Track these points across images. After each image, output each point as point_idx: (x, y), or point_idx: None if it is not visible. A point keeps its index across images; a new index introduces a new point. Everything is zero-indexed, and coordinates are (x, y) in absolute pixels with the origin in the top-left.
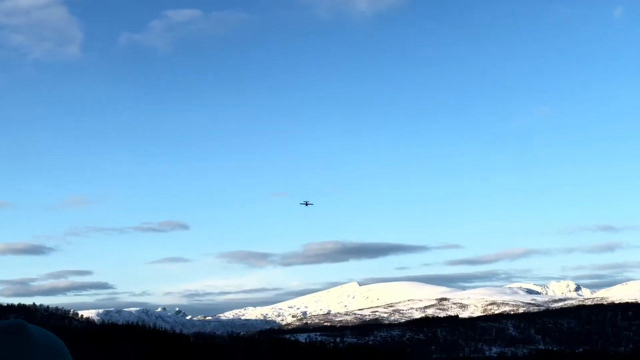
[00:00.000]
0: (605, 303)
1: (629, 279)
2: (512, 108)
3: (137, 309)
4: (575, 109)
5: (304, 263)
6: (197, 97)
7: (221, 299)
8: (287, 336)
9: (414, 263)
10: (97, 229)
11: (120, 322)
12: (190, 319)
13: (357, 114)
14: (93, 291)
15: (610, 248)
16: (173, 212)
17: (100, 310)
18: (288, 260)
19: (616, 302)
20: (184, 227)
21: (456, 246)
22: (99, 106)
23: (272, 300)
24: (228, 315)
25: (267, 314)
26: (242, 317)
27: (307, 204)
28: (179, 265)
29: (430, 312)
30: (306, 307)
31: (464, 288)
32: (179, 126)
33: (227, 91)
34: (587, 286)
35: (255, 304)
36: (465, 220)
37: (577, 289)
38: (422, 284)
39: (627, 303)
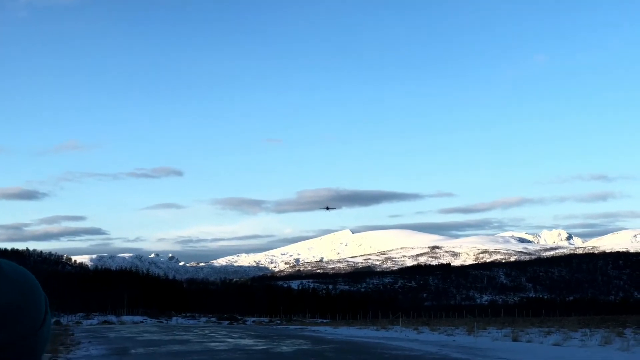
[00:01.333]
0: (596, 252)
1: (620, 228)
2: (508, 57)
3: (131, 254)
4: (570, 58)
5: (297, 210)
6: (193, 43)
7: (214, 245)
8: (280, 283)
9: (407, 211)
10: (91, 175)
11: (113, 268)
12: (184, 265)
13: (353, 63)
14: (86, 237)
15: (603, 197)
16: (167, 159)
17: (94, 256)
18: (281, 207)
19: (607, 251)
20: (178, 173)
21: (450, 194)
22: (94, 49)
23: (265, 247)
24: (221, 261)
25: (259, 261)
26: (235, 264)
27: (327, 209)
28: (173, 212)
29: (422, 260)
30: (299, 254)
31: (456, 236)
32: (174, 71)
33: (224, 36)
34: (579, 235)
35: (248, 250)
36: (459, 169)
37: (569, 238)
38: (415, 232)
39: (618, 252)
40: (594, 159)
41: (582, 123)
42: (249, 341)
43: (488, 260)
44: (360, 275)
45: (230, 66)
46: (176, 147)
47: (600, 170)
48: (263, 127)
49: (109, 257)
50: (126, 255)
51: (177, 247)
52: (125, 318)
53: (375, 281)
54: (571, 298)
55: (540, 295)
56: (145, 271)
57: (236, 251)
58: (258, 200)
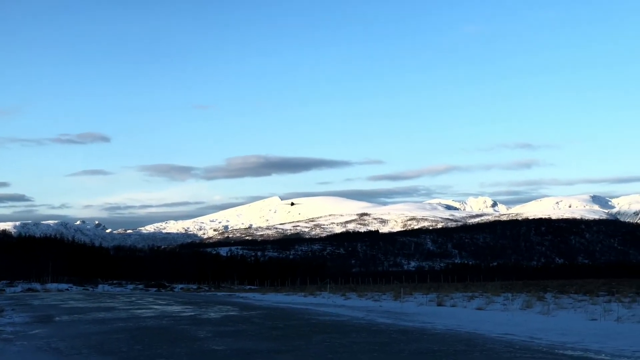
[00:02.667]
0: (519, 219)
1: (543, 196)
2: (438, 24)
3: (56, 221)
4: (499, 25)
5: (227, 177)
6: (120, 3)
7: (142, 212)
8: (209, 250)
9: (336, 178)
10: (13, 140)
11: (38, 235)
12: (111, 232)
13: (281, 29)
14: (10, 203)
15: (527, 165)
16: (93, 124)
17: (17, 223)
18: (211, 174)
19: (530, 218)
20: (105, 139)
21: (379, 162)
22: (12, 10)
23: (194, 214)
24: (149, 228)
25: (188, 228)
26: (164, 231)
27: (292, 204)
28: (99, 178)
29: (351, 227)
30: (228, 221)
31: (385, 203)
32: (100, 34)
33: None
34: (504, 202)
35: (177, 217)
36: (388, 137)
37: (494, 204)
38: (344, 199)
39: (540, 219)
40: (520, 127)
41: (508, 91)
42: (176, 308)
43: (416, 227)
44: (289, 242)
45: (159, 29)
46: (103, 112)
47: (525, 138)
48: (192, 93)
49: (34, 224)
50: (51, 222)
51: (104, 214)
52: (50, 286)
53: (304, 248)
54: (495, 263)
55: (466, 261)
56: (71, 238)
57: (165, 218)
58: (187, 166)
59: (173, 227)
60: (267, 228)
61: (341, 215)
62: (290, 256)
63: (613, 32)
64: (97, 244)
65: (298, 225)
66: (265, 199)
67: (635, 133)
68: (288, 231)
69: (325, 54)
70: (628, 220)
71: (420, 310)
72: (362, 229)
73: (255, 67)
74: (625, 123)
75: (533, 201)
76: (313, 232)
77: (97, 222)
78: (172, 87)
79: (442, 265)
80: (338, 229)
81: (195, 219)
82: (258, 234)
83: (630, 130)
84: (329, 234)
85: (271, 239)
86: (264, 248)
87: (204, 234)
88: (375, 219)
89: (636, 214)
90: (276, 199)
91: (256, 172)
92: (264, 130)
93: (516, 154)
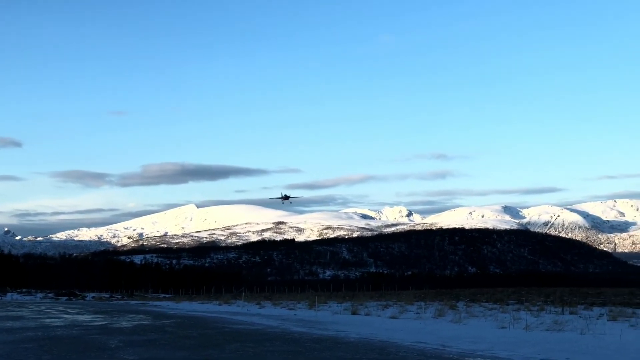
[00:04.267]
0: (434, 228)
1: (457, 206)
2: (356, 35)
3: None
4: (416, 39)
5: (142, 184)
6: (30, 6)
7: (54, 219)
8: (122, 258)
9: (253, 186)
10: None
11: None
12: (20, 239)
13: (200, 37)
14: None
15: (442, 176)
16: (4, 128)
17: None
18: (126, 180)
19: (444, 227)
20: (17, 144)
21: (296, 170)
22: None
23: (107, 222)
24: (60, 236)
25: (101, 235)
26: (76, 238)
27: (287, 197)
28: (10, 184)
29: (267, 235)
30: (142, 228)
31: (301, 212)
32: (10, 36)
33: (63, 3)
34: (419, 212)
35: (90, 224)
36: (305, 145)
37: (409, 214)
38: (260, 207)
39: (454, 228)
40: (435, 138)
41: (424, 102)
42: (87, 317)
43: (331, 236)
44: (205, 250)
45: (74, 34)
46: (14, 116)
47: (441, 149)
48: (107, 99)
49: None
50: None
51: (14, 221)
52: None
53: (219, 256)
54: (410, 272)
55: (381, 270)
56: None
57: (77, 225)
58: (101, 173)
59: (86, 234)
60: (183, 236)
61: (257, 224)
62: (206, 264)
63: (523, 47)
64: (5, 251)
65: (214, 233)
66: (182, 207)
67: (545, 145)
68: (204, 239)
69: (243, 63)
70: (538, 230)
71: (334, 319)
72: (279, 238)
73: (173, 75)
74: (535, 135)
75: (447, 211)
76: (229, 240)
77: (6, 229)
78: (87, 93)
79: (357, 274)
80: (254, 237)
81: (109, 227)
82: (173, 241)
83: (540, 142)
84: (245, 242)
85: (187, 246)
86: (180, 256)
87: (117, 241)
88: (291, 227)
89: (545, 224)
90: (192, 206)
91: (172, 180)
92: (181, 138)
93: (431, 164)
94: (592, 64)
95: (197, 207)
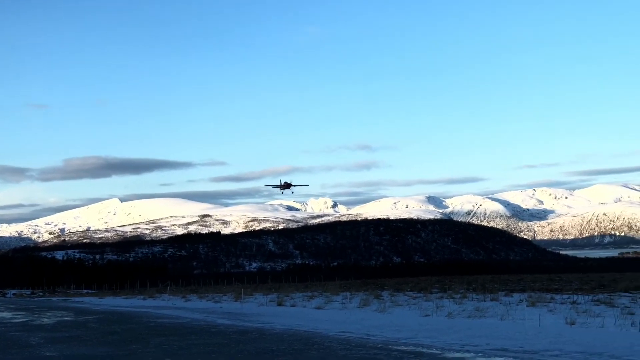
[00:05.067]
0: (359, 219)
1: (382, 196)
2: (282, 27)
3: None
4: (340, 29)
5: (64, 179)
6: None
7: None
8: (44, 254)
9: (178, 179)
10: None
11: None
12: None
13: (123, 32)
14: None
15: (367, 166)
16: None
17: None
18: (47, 175)
19: (369, 218)
20: None
21: (222, 163)
22: None
23: (28, 217)
24: None
25: (22, 231)
26: None
27: (288, 185)
28: None
29: (192, 228)
30: (64, 223)
31: (227, 205)
32: None
33: None
34: (344, 203)
35: (10, 220)
36: (231, 138)
37: (334, 205)
38: (186, 200)
39: (379, 219)
40: (360, 129)
41: (349, 94)
42: (7, 314)
43: (257, 228)
44: (129, 244)
45: None
46: None
47: (365, 140)
48: (27, 92)
49: None
50: None
51: None
52: None
53: (144, 250)
54: (335, 263)
55: (307, 262)
56: None
57: None
58: (21, 168)
59: (5, 230)
60: (107, 230)
61: (183, 217)
62: (131, 259)
63: (445, 40)
64: None
65: (138, 228)
66: (105, 201)
67: (467, 136)
68: (128, 233)
69: (164, 57)
70: (460, 219)
71: (260, 310)
72: (204, 231)
73: (96, 68)
74: (458, 126)
75: (372, 202)
76: (154, 234)
77: None
78: (5, 85)
79: (283, 265)
80: (180, 231)
81: (29, 222)
82: (97, 236)
83: (462, 133)
84: (170, 235)
85: (110, 241)
86: (103, 251)
87: (39, 237)
88: (217, 220)
89: (468, 213)
90: (116, 200)
91: (95, 174)
92: (104, 131)
93: (356, 155)
94: (510, 55)
95: (121, 201)
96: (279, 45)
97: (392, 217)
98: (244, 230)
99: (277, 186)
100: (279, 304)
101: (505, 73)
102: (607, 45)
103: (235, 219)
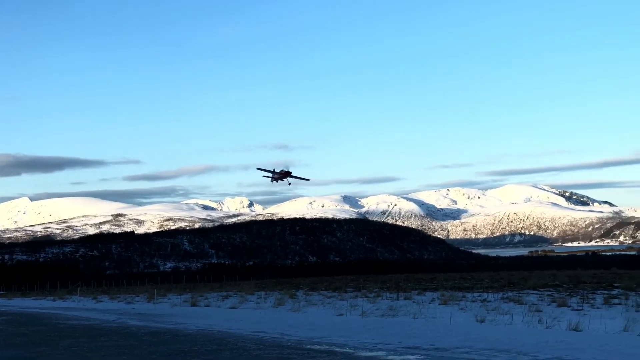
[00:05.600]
0: (275, 219)
1: (298, 196)
2: (198, 27)
3: None
4: (257, 29)
5: None
6: None
7: None
8: None
9: (91, 178)
10: None
11: None
12: None
13: (41, 30)
14: None
15: (284, 166)
16: None
17: None
18: None
19: (285, 217)
20: None
21: (136, 162)
22: None
23: None
24: None
25: None
26: None
27: (287, 174)
28: None
29: (105, 228)
30: None
31: (141, 204)
32: None
33: None
34: (260, 202)
35: None
36: (146, 136)
37: (251, 205)
38: (98, 199)
39: (295, 218)
40: (277, 129)
41: (266, 93)
42: None
43: (173, 228)
44: (39, 244)
45: None
46: None
47: (282, 140)
48: None
49: None
50: None
51: None
52: None
53: (55, 250)
54: (251, 263)
55: (222, 261)
56: None
57: None
58: None
59: None
60: (16, 230)
61: (95, 217)
62: (41, 259)
63: (362, 40)
64: None
65: (49, 227)
66: (14, 200)
67: (383, 136)
68: (38, 233)
69: (78, 55)
70: (375, 219)
71: (173, 311)
72: (118, 230)
73: (7, 65)
74: (374, 126)
75: (288, 201)
76: (65, 234)
77: None
78: None
79: (198, 265)
80: (92, 231)
81: None
82: (5, 236)
83: (378, 133)
84: (82, 235)
85: (20, 241)
86: (12, 251)
87: None
88: (131, 219)
89: (383, 213)
90: (25, 199)
91: (4, 172)
92: (14, 128)
93: (273, 154)
94: (424, 57)
95: (31, 200)
96: (196, 45)
97: (308, 217)
98: (159, 230)
99: (271, 173)
100: (193, 304)
101: (419, 75)
102: (516, 48)
103: (149, 218)
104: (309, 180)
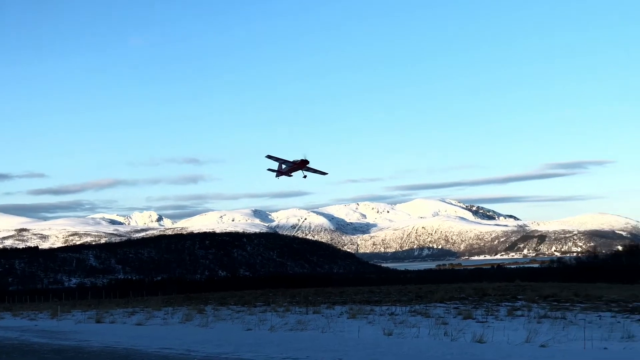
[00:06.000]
0: (184, 233)
1: (208, 210)
2: (106, 39)
3: None
4: (166, 44)
5: None
6: None
7: None
8: None
9: None
10: None
11: None
12: None
13: None
14: None
15: (194, 180)
16: None
17: None
18: None
19: (195, 232)
20: None
21: (40, 175)
22: None
23: None
24: None
25: None
26: None
27: (304, 163)
28: None
29: (8, 243)
30: None
31: (46, 218)
32: None
33: None
34: (170, 216)
35: None
36: (51, 149)
37: (160, 219)
38: (1, 214)
39: (205, 233)
40: (187, 143)
41: (177, 107)
42: None
43: (78, 243)
44: None
45: None
46: None
47: (193, 154)
48: None
49: None
50: None
51: None
52: None
53: None
54: (159, 278)
55: (130, 276)
56: None
57: None
58: None
59: None
60: None
61: None
62: None
63: (267, 57)
64: None
65: None
66: None
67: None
68: None
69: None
70: (286, 233)
71: (78, 328)
72: (21, 245)
73: None
74: (284, 141)
75: (198, 215)
76: None
77: None
78: None
79: (105, 281)
80: None
81: None
82: None
83: (287, 147)
84: None
85: None
86: None
87: None
88: (35, 234)
89: (293, 227)
90: None
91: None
92: None
93: (183, 168)
94: (333, 73)
95: None
96: (104, 57)
97: (218, 231)
98: (64, 245)
99: (283, 164)
100: (98, 321)
101: (328, 90)
102: (424, 65)
103: (54, 233)
104: (326, 174)
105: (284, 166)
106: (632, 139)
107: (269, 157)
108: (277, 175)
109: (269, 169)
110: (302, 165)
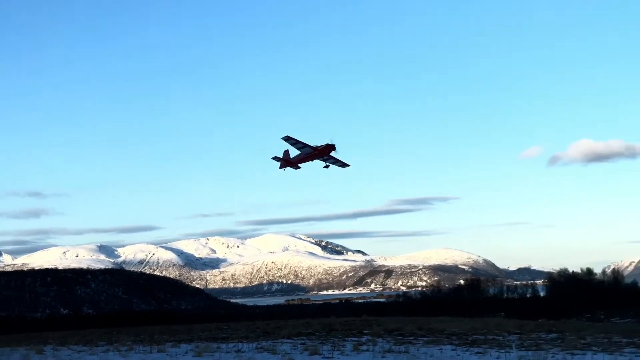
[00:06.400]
0: (25, 269)
1: (51, 245)
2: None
3: None
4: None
5: None
6: None
7: None
8: None
9: None
10: None
11: None
12: None
13: None
14: None
15: (36, 214)
16: None
17: None
18: None
19: (36, 268)
20: None
21: None
22: None
23: None
24: None
25: None
26: None
27: (330, 148)
28: None
29: None
30: None
31: None
32: None
33: None
34: (10, 252)
35: None
36: None
37: None
38: None
39: (46, 269)
40: (30, 176)
41: (11, 140)
42: None
43: None
44: None
45: None
46: None
47: (35, 187)
48: None
49: None
50: None
51: None
52: None
53: None
54: None
55: None
56: None
57: None
58: None
59: None
60: None
61: None
62: None
63: (158, 86)
64: None
65: None
66: None
67: (140, 184)
68: None
69: None
70: (133, 268)
71: None
72: None
73: None
74: (130, 174)
75: (40, 251)
76: None
77: None
78: None
79: None
80: None
81: None
82: None
83: (134, 181)
84: None
85: None
86: None
87: None
88: None
89: (141, 262)
90: None
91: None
92: None
93: (25, 202)
94: (229, 102)
95: None
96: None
97: (60, 267)
98: None
99: (305, 149)
100: None
101: (174, 126)
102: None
103: None
104: (349, 165)
105: (299, 152)
106: (475, 177)
107: (287, 138)
108: (282, 166)
109: (274, 157)
110: (326, 151)
